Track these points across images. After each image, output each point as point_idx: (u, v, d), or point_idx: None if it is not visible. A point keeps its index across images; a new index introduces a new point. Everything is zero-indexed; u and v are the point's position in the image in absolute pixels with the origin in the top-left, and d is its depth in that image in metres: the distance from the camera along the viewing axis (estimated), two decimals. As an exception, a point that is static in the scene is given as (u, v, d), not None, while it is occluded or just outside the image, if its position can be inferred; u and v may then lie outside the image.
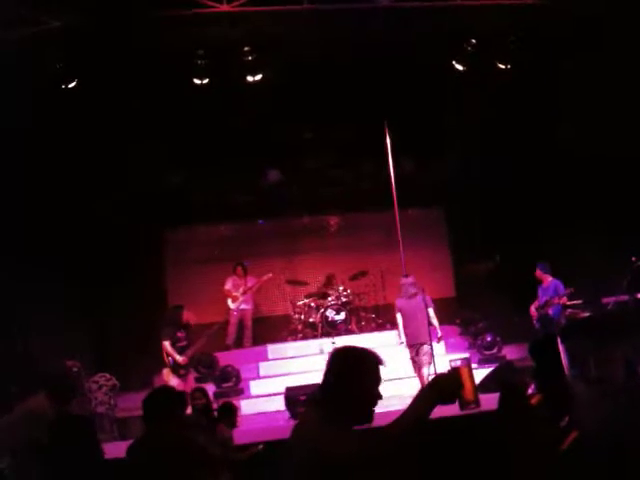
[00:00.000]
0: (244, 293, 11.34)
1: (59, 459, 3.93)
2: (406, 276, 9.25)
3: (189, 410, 6.24)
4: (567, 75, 9.21)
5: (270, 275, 11.50)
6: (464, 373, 2.31)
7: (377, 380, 2.47)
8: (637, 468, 1.53)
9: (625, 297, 8.57)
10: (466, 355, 7.17)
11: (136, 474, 3.82)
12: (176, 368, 8.24)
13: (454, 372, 2.32)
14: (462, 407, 2.33)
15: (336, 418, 2.36)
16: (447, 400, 2.27)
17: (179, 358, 8.22)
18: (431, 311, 8.77)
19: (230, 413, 6.20)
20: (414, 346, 8.66)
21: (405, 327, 8.82)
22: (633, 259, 8.47)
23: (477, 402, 2.33)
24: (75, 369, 8.53)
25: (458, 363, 2.33)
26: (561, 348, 1.66)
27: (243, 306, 11.34)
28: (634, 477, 1.52)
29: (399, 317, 8.95)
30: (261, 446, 6.04)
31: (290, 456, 2.37)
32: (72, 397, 4.60)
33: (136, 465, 3.87)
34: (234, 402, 6.80)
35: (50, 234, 9.14)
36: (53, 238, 9.21)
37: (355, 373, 2.42)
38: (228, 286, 11.37)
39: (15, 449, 4.55)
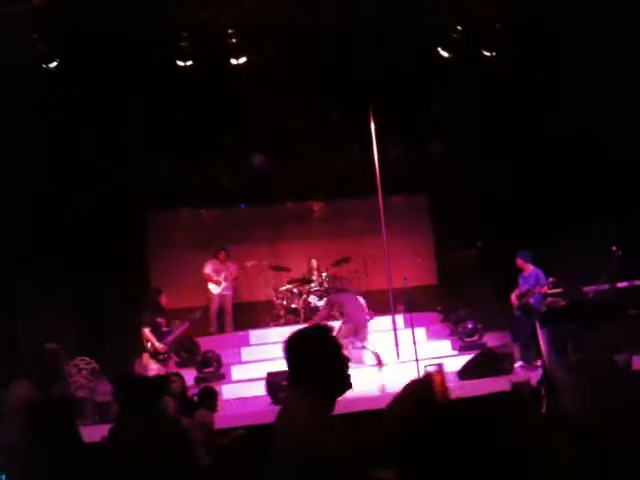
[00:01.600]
0: (230, 280, 11.29)
1: (38, 443, 3.91)
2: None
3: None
4: (554, 62, 9.23)
5: (253, 262, 11.46)
6: (437, 379, 2.31)
7: (338, 347, 2.56)
8: (618, 454, 1.54)
9: (605, 286, 8.66)
10: (439, 361, 7.45)
11: (122, 458, 3.81)
12: (155, 354, 8.22)
13: (427, 379, 2.32)
14: None
15: (319, 397, 2.41)
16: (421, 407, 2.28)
17: (158, 345, 8.20)
18: None
19: (210, 397, 6.20)
20: None
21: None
22: (613, 249, 8.56)
23: None
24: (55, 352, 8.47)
25: (432, 369, 2.33)
26: (540, 334, 1.67)
27: (224, 291, 11.31)
28: (615, 464, 1.53)
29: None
30: (242, 431, 6.06)
31: (277, 443, 2.38)
32: (52, 381, 4.54)
33: (122, 449, 3.86)
34: (215, 387, 6.80)
35: (32, 216, 9.04)
36: (35, 220, 9.11)
37: (316, 349, 2.49)
38: (208, 270, 11.29)
39: None
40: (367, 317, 9.90)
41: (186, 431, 4.41)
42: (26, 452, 3.97)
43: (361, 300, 10.03)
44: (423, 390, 2.27)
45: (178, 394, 6.26)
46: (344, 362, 2.55)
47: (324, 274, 11.44)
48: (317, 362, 2.47)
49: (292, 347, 2.56)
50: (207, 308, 11.16)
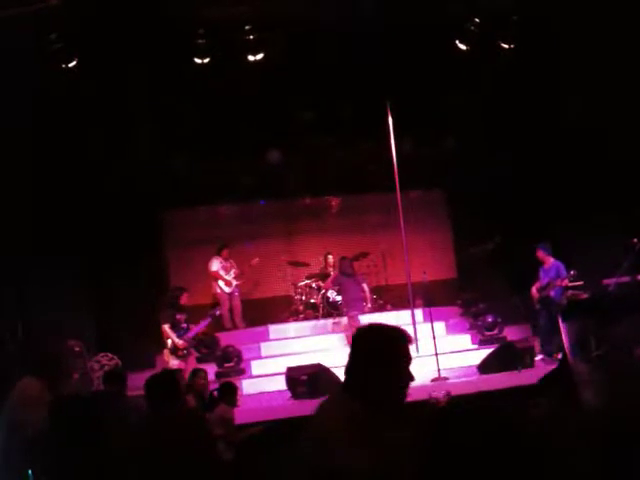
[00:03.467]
0: (238, 278, 11.31)
1: (56, 442, 3.95)
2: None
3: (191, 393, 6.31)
4: (571, 56, 9.13)
5: (257, 260, 11.45)
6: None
7: (408, 359, 2.34)
8: (635, 450, 1.53)
9: (626, 278, 8.58)
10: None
11: (149, 453, 3.85)
12: (175, 350, 8.28)
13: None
14: None
15: (366, 403, 2.23)
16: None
17: (178, 341, 8.26)
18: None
19: (230, 392, 6.24)
20: None
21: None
22: (634, 240, 8.47)
23: None
24: (77, 349, 8.59)
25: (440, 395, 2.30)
26: (562, 328, 1.66)
27: (233, 290, 11.31)
28: (632, 460, 1.52)
29: None
30: (261, 427, 6.10)
31: (304, 444, 2.25)
32: (60, 378, 4.60)
33: (149, 444, 3.89)
34: (235, 382, 6.84)
35: (53, 215, 9.14)
36: (56, 219, 9.21)
37: (386, 354, 2.28)
38: (216, 267, 11.23)
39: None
40: (363, 304, 10.32)
41: (207, 426, 4.44)
42: (47, 448, 4.03)
43: (365, 287, 10.49)
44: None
45: (201, 390, 6.31)
46: (409, 379, 2.33)
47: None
48: (385, 371, 2.26)
49: (368, 343, 2.34)
50: (219, 308, 11.19)
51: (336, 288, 10.53)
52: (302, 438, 2.27)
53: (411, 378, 2.33)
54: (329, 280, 10.88)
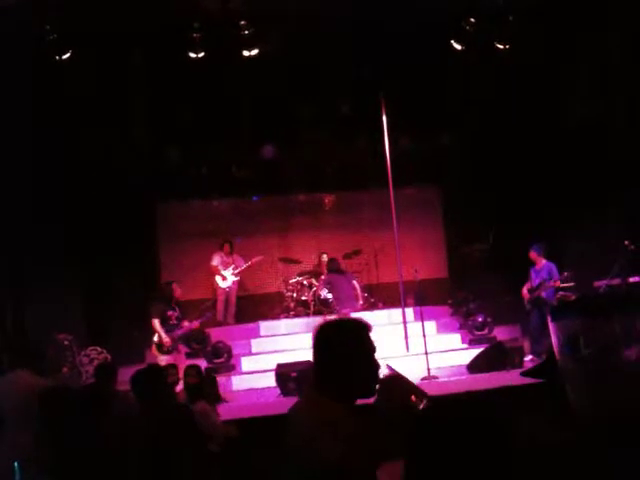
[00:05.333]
0: (236, 274, 11.31)
1: (45, 433, 3.95)
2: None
3: (180, 386, 6.30)
4: (567, 55, 9.15)
5: (261, 257, 11.45)
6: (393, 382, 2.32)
7: (373, 348, 2.33)
8: (630, 447, 1.53)
9: (617, 281, 8.62)
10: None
11: (137, 447, 3.84)
12: (160, 346, 8.25)
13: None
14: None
15: (339, 397, 2.22)
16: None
17: (164, 338, 8.21)
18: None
19: (212, 387, 6.20)
20: None
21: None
22: (626, 242, 8.51)
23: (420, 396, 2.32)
24: (66, 342, 8.56)
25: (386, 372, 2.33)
26: (551, 328, 1.67)
27: (231, 285, 11.34)
28: (627, 456, 1.51)
29: None
30: (234, 428, 6.03)
31: (287, 440, 2.24)
32: (47, 371, 4.61)
33: (137, 438, 3.89)
34: (224, 377, 6.82)
35: (45, 208, 9.10)
36: (48, 212, 9.17)
37: (349, 347, 2.27)
38: (216, 262, 11.29)
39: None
40: (355, 302, 10.22)
41: (195, 420, 4.44)
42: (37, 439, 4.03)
43: (355, 284, 10.45)
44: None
45: (192, 385, 6.28)
46: (376, 367, 2.32)
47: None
48: (350, 361, 2.25)
49: (330, 337, 2.32)
50: (215, 300, 11.21)
51: (328, 287, 10.48)
52: (285, 437, 2.25)
53: (377, 366, 2.33)
54: (320, 282, 10.87)
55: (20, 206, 8.55)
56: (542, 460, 1.55)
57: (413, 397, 2.32)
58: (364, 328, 2.35)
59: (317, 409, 2.23)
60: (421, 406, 2.36)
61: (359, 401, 2.32)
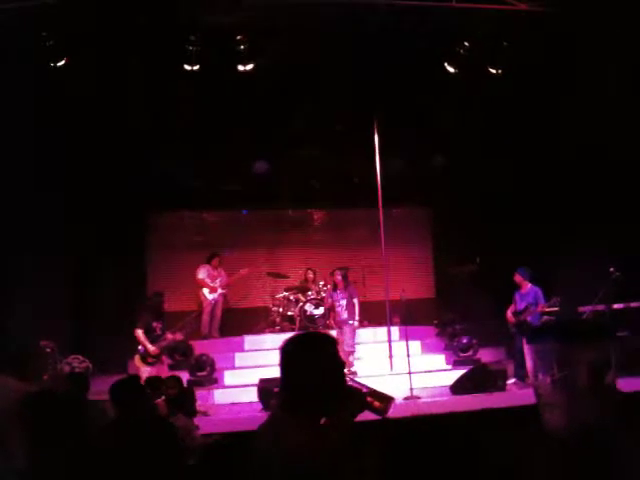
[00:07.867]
0: (224, 287, 11.29)
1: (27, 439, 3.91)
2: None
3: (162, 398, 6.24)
4: (559, 81, 9.27)
5: (247, 270, 11.43)
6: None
7: (341, 363, 2.29)
8: (599, 469, 1.54)
9: (601, 307, 8.67)
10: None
11: (115, 456, 3.81)
12: (145, 356, 8.15)
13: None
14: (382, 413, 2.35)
15: (307, 412, 2.17)
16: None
17: (150, 347, 8.11)
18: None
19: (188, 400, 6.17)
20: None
21: None
22: (611, 269, 8.57)
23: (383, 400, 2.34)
24: (48, 349, 8.48)
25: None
26: (526, 350, 1.68)
27: (217, 298, 11.30)
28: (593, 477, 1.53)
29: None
30: (216, 437, 6.01)
31: (261, 457, 2.19)
32: (32, 375, 4.56)
33: (114, 448, 3.86)
34: (206, 391, 6.78)
35: (36, 214, 9.05)
36: (39, 218, 9.12)
37: (316, 360, 2.20)
38: (202, 276, 11.24)
39: None
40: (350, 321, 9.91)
41: (174, 433, 4.40)
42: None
43: (355, 302, 10.07)
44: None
45: (173, 397, 6.23)
46: (343, 381, 2.28)
47: (321, 283, 11.42)
48: (314, 375, 2.18)
49: (289, 353, 2.26)
50: (200, 312, 11.16)
51: (330, 301, 10.20)
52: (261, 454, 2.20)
53: (344, 381, 2.29)
54: (327, 295, 10.50)
55: (8, 213, 8.48)
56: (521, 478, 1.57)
57: (376, 402, 2.32)
58: (332, 343, 2.30)
59: (284, 430, 2.15)
60: (388, 411, 2.35)
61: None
